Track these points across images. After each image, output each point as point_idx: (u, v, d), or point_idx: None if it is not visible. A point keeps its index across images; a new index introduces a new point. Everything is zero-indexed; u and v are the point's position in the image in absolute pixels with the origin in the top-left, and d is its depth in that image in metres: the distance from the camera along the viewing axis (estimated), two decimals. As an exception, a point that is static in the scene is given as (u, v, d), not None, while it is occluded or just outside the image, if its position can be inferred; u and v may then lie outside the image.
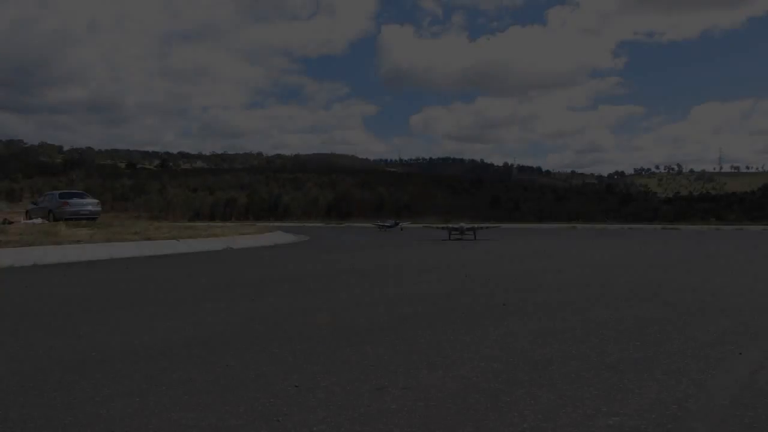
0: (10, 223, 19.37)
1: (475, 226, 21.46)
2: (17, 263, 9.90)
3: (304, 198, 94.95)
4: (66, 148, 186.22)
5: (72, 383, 2.97)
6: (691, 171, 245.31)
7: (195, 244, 14.50)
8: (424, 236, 22.18)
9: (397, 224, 34.07)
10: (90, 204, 24.11)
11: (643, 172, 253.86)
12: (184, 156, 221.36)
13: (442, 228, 23.32)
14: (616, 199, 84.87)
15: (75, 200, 23.92)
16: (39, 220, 21.34)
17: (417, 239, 20.14)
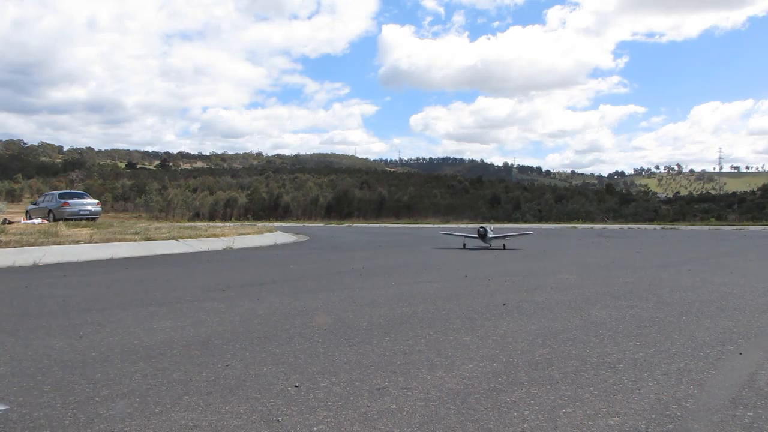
0: (10, 223, 19.35)
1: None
2: (17, 263, 9.90)
3: (304, 198, 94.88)
4: (66, 148, 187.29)
5: (72, 383, 2.97)
6: (691, 171, 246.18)
7: (195, 244, 14.50)
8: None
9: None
10: (90, 204, 24.15)
11: (643, 172, 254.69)
12: (184, 156, 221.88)
13: None
14: (616, 199, 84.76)
15: (75, 200, 23.96)
16: (39, 220, 21.35)
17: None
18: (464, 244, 15.09)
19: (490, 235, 14.79)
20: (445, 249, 14.55)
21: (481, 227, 15.24)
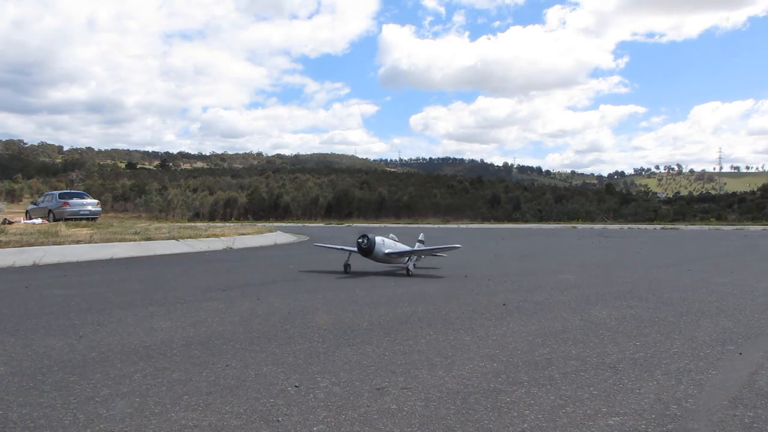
0: (10, 223, 19.34)
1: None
2: (17, 263, 9.90)
3: (304, 198, 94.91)
4: (66, 148, 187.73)
5: (72, 383, 2.97)
6: (691, 171, 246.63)
7: (195, 244, 14.50)
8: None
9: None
10: (90, 204, 24.15)
11: (643, 172, 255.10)
12: (184, 156, 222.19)
13: None
14: (616, 199, 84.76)
15: (75, 200, 23.96)
16: (39, 220, 21.34)
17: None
18: (347, 266, 8.85)
19: (386, 250, 8.64)
20: (316, 274, 8.64)
21: (364, 237, 8.54)
